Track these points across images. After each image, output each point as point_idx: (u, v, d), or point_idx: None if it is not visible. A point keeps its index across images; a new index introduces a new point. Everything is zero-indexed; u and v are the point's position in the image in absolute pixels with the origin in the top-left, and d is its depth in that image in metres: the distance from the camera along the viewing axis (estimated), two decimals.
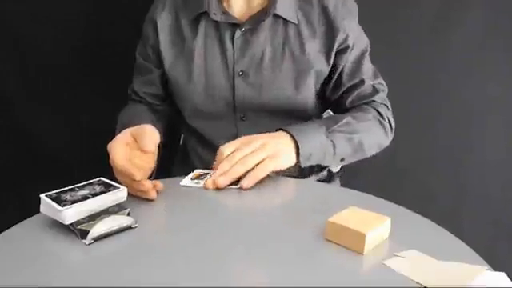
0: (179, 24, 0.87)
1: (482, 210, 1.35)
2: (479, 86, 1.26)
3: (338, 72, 0.87)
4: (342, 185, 1.01)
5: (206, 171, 0.75)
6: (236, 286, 0.47)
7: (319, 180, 0.98)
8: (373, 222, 0.54)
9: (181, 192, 0.71)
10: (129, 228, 0.58)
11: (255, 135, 0.71)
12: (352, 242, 0.52)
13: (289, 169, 0.73)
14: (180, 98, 0.90)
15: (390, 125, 0.89)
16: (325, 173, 1.01)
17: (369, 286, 0.47)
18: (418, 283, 0.47)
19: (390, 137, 0.89)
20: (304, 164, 0.74)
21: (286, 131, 0.74)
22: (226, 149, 0.70)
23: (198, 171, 0.75)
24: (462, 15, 1.21)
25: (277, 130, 0.75)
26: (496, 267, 0.49)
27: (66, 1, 1.21)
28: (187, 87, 0.87)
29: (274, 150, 0.69)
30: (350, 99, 0.89)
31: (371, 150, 0.85)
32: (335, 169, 1.11)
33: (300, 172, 0.80)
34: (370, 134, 0.84)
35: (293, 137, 0.73)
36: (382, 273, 0.49)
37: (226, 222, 0.61)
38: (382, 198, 0.67)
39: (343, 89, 0.89)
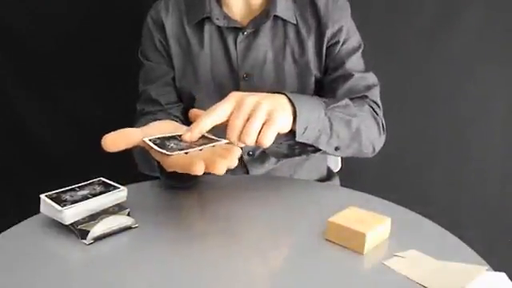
0: (184, 30, 0.87)
1: (482, 210, 1.35)
2: (479, 85, 1.26)
3: (327, 64, 0.86)
4: (342, 185, 1.01)
5: (173, 134, 0.58)
6: (236, 285, 0.47)
7: (319, 180, 0.98)
8: (373, 222, 0.54)
9: (181, 192, 0.71)
10: (129, 228, 0.58)
11: (247, 93, 0.60)
12: (352, 241, 0.52)
13: (280, 143, 0.67)
14: (188, 103, 0.89)
15: (383, 125, 0.83)
16: (324, 172, 1.01)
17: (369, 286, 0.47)
18: (417, 283, 0.47)
19: (383, 138, 0.83)
20: (299, 137, 0.65)
21: (282, 93, 0.64)
22: (219, 110, 0.57)
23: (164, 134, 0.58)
24: (462, 15, 1.21)
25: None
26: (496, 267, 0.49)
27: (66, 1, 1.21)
28: (196, 93, 0.87)
29: (271, 109, 0.58)
30: (340, 92, 0.84)
31: (367, 142, 0.77)
32: (335, 168, 1.11)
33: (289, 150, 0.73)
34: (367, 125, 0.76)
35: (290, 100, 0.63)
36: (382, 273, 0.49)
37: (226, 222, 0.61)
38: (381, 198, 0.67)
39: (332, 77, 0.85)
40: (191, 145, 0.54)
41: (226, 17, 0.84)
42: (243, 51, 0.85)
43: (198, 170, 0.50)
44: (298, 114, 0.62)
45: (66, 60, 1.26)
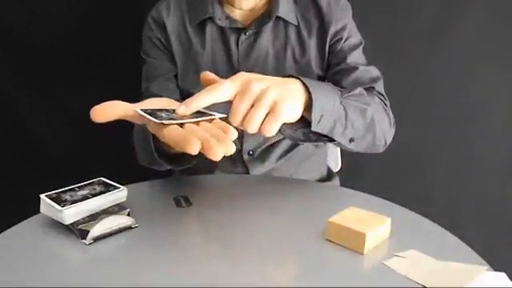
0: (186, 30, 0.87)
1: (482, 210, 1.35)
2: (480, 86, 1.26)
3: (330, 61, 0.86)
4: (342, 185, 1.01)
5: (165, 107, 0.56)
6: (236, 285, 0.47)
7: (319, 180, 0.98)
8: (373, 222, 0.54)
9: (181, 191, 0.71)
10: (129, 228, 0.58)
11: (255, 76, 0.57)
12: (352, 241, 0.52)
13: (295, 130, 0.64)
14: None
15: (392, 117, 0.81)
16: (324, 172, 1.01)
17: (369, 286, 0.47)
18: (417, 283, 0.47)
19: (393, 131, 0.80)
20: (314, 126, 0.61)
21: (295, 77, 0.61)
22: (224, 90, 0.54)
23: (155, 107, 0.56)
24: (462, 15, 1.21)
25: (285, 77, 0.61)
26: (496, 267, 0.49)
27: (66, 1, 1.21)
28: (196, 92, 0.86)
29: (277, 98, 0.55)
30: (345, 84, 0.83)
31: (380, 134, 0.74)
32: (335, 168, 1.11)
33: (305, 136, 0.68)
34: (379, 116, 0.74)
35: (304, 85, 0.60)
36: (382, 273, 0.49)
37: (226, 222, 0.61)
38: (382, 198, 0.67)
39: (335, 70, 0.85)
40: (183, 117, 0.52)
41: (228, 17, 0.84)
42: (245, 51, 0.85)
43: (194, 149, 0.47)
44: (314, 101, 0.59)
45: (66, 60, 1.26)
